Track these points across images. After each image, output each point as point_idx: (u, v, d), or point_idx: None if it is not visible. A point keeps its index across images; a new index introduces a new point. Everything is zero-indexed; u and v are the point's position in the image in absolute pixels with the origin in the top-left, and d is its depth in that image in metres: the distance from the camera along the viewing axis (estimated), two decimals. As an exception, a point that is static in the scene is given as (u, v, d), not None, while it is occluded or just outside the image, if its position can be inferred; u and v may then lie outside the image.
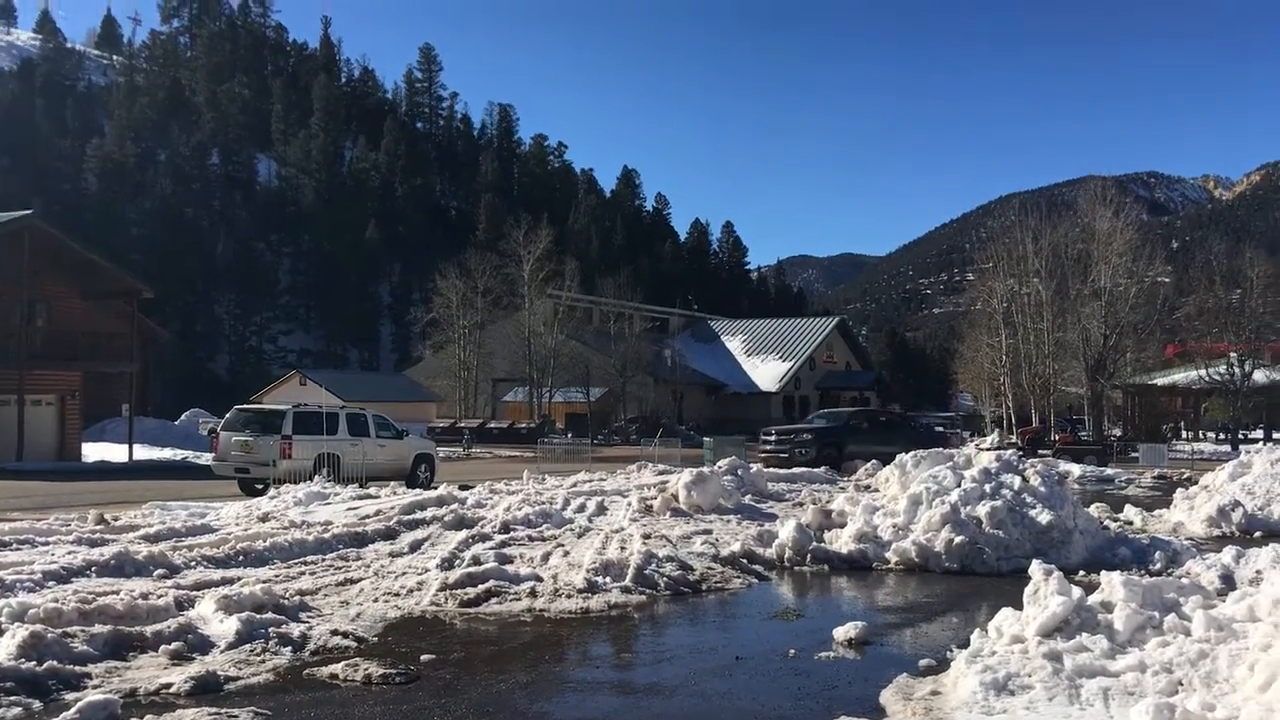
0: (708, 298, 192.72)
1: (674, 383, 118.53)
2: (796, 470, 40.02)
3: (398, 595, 16.90)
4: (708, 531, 24.21)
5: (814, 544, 22.43)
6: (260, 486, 34.44)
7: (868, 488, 32.99)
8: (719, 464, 32.17)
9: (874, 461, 40.95)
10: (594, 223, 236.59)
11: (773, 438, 50.84)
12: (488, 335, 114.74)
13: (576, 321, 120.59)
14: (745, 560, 21.09)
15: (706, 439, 53.63)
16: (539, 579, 18.03)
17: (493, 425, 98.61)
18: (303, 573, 18.55)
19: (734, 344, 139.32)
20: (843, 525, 24.05)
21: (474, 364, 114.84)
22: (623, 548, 20.72)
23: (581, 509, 26.73)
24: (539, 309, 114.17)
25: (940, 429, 63.94)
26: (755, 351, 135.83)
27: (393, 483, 35.56)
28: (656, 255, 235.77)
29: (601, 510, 26.84)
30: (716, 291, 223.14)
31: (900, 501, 23.01)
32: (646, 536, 22.47)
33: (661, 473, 38.51)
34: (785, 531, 22.30)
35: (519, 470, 42.67)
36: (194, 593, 16.09)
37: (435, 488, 32.07)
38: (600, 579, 18.24)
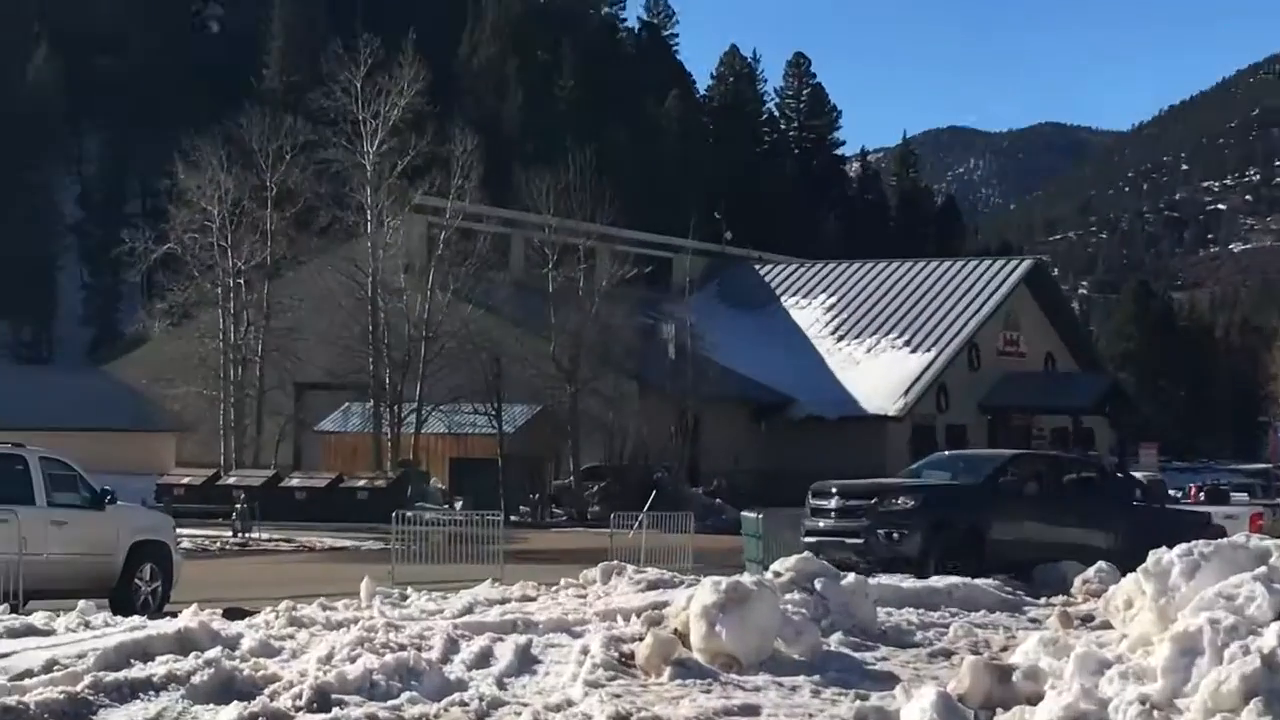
0: (755, 212, 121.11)
1: (681, 393, 73.73)
2: (937, 583, 28.59)
3: None
4: (751, 710, 16.66)
5: (976, 738, 15.12)
6: None
7: (1087, 619, 23.84)
8: (776, 568, 23.21)
9: (1101, 567, 29.51)
10: (513, 51, 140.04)
11: (830, 505, 31.42)
12: (288, 293, 74.36)
13: (477, 264, 72.93)
14: None
15: (748, 514, 36.94)
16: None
17: (295, 483, 66.53)
18: (-112, 798, 13.11)
19: (808, 312, 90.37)
20: (1036, 699, 16.40)
21: (257, 352, 73.18)
22: (572, 746, 13.99)
23: (484, 661, 18.54)
24: (399, 235, 72.16)
25: (1198, 505, 47.06)
26: (853, 329, 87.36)
27: (84, 602, 23.81)
28: (647, 124, 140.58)
29: (527, 665, 18.75)
30: (772, 200, 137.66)
31: (1158, 649, 16.07)
32: (622, 719, 15.48)
33: (653, 585, 28.21)
34: (915, 711, 14.88)
35: (353, 577, 29.59)
36: None
37: (172, 614, 23.42)
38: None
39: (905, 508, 30.35)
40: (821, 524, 31.27)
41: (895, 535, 29.97)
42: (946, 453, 37.04)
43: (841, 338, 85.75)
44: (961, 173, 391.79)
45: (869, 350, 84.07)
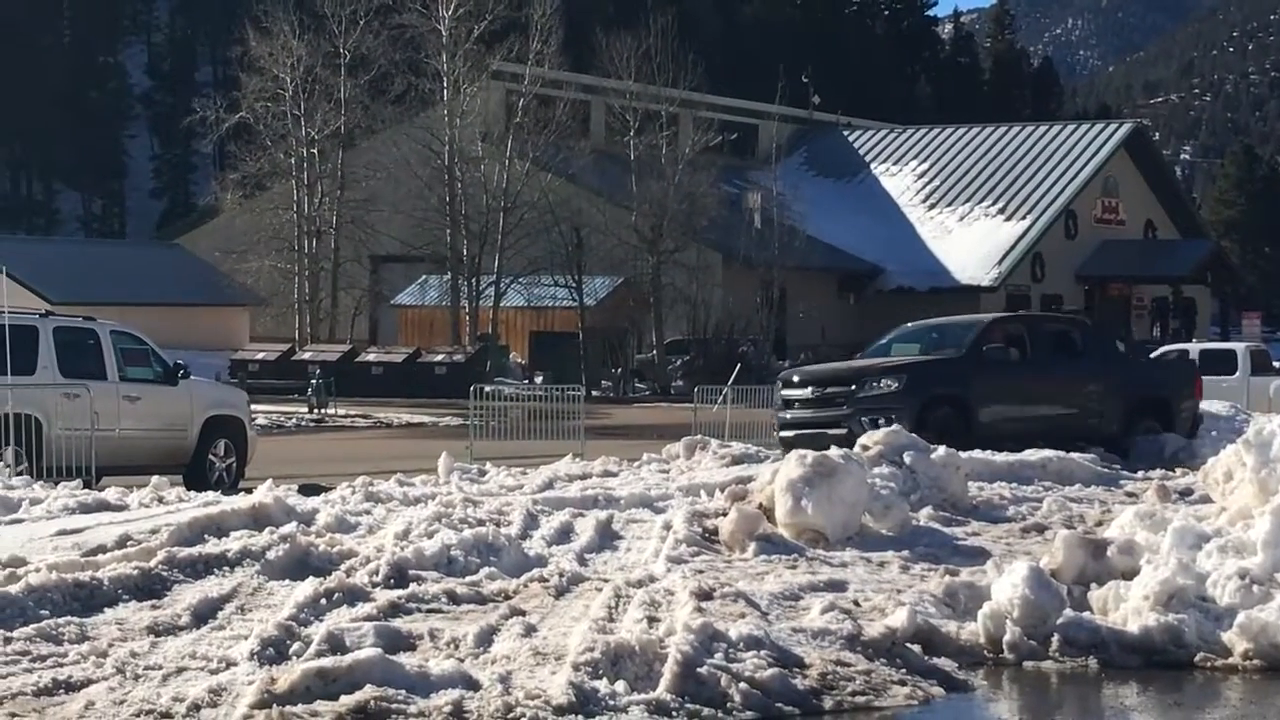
0: (844, 77, 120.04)
1: (767, 264, 73.90)
2: (1030, 456, 27.66)
3: (167, 717, 11.56)
4: (838, 585, 17.02)
5: (1067, 611, 15.36)
6: None
7: (1185, 493, 24.16)
8: (864, 441, 23.55)
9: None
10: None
11: (805, 394, 29.80)
12: (363, 163, 74.25)
13: (556, 132, 72.58)
14: (918, 647, 14.44)
15: None
16: (472, 684, 12.25)
17: (372, 357, 66.40)
18: (-36, 666, 12.84)
19: (898, 179, 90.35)
20: (1131, 574, 16.64)
21: (331, 223, 73.79)
22: (653, 619, 14.43)
23: (564, 536, 19.54)
24: (477, 102, 71.48)
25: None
26: (945, 197, 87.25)
27: (157, 478, 24.36)
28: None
29: (608, 540, 19.73)
30: (862, 63, 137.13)
31: (1258, 523, 16.93)
32: (705, 595, 15.36)
33: (737, 459, 29.09)
34: (1006, 586, 15.55)
35: (430, 452, 30.70)
36: None
37: (246, 490, 24.18)
38: (602, 684, 12.38)
39: (890, 390, 28.92)
40: (797, 415, 29.86)
41: (881, 421, 27.53)
42: (911, 324, 35.14)
43: (933, 206, 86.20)
44: (1059, 34, 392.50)
45: (962, 219, 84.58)
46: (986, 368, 29.31)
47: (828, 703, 12.69)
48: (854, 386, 29.07)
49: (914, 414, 27.72)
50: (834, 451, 20.54)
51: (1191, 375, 32.59)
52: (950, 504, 22.51)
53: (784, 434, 29.52)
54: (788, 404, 30.04)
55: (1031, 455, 27.60)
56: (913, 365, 29.50)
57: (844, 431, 27.83)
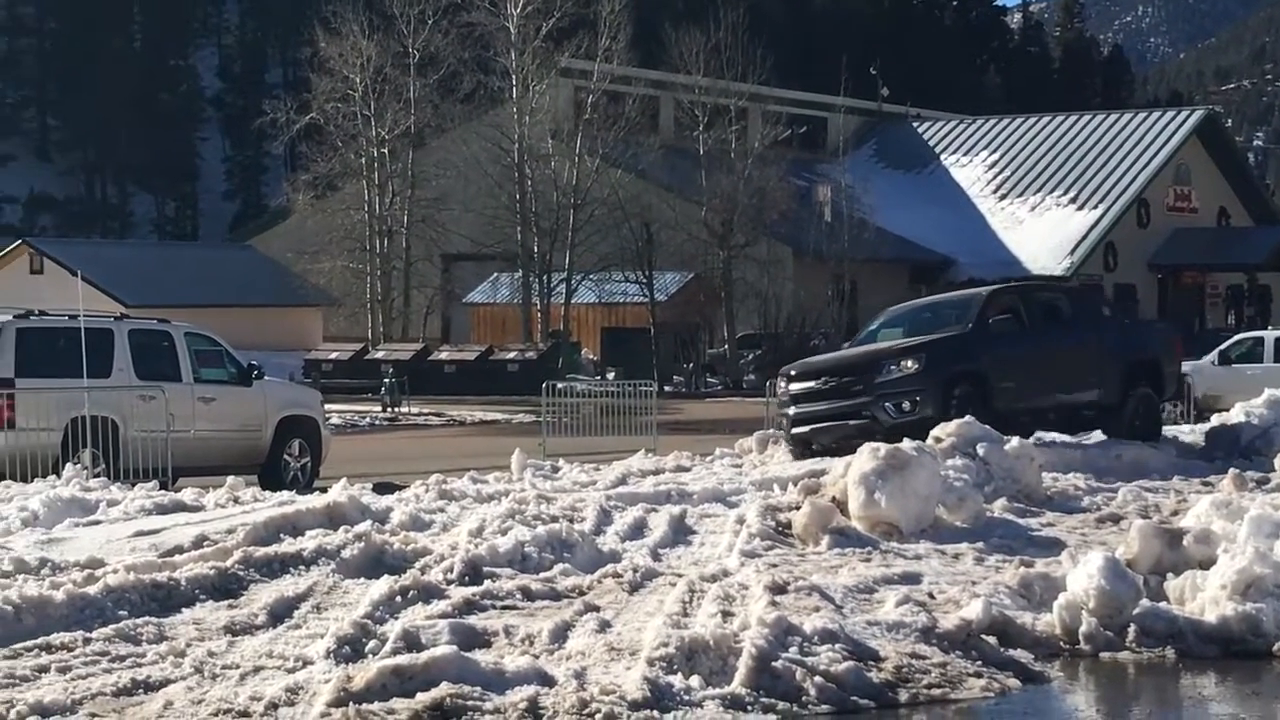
0: (913, 68, 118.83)
1: (837, 257, 73.30)
2: (1105, 447, 27.46)
3: (245, 716, 11.73)
4: (912, 577, 17.33)
5: (1144, 602, 15.47)
6: None
7: (1262, 482, 26.74)
8: (937, 433, 23.56)
9: None
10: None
11: (816, 386, 28.16)
12: (433, 161, 75.08)
13: (625, 128, 72.50)
14: (994, 639, 14.54)
15: None
16: (547, 681, 12.44)
17: (444, 356, 66.37)
18: (45, 667, 13.00)
19: (968, 170, 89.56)
20: (1207, 563, 16.75)
21: (403, 222, 73.85)
22: (727, 613, 14.59)
23: (637, 532, 19.74)
24: (546, 99, 71.99)
25: None
26: (1016, 187, 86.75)
27: (233, 478, 24.48)
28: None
29: (681, 535, 19.86)
30: (930, 55, 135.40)
31: None
32: (779, 589, 15.43)
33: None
34: (1081, 576, 15.55)
35: (503, 450, 30.66)
36: None
37: (321, 489, 24.60)
38: (677, 679, 12.53)
39: (911, 371, 27.61)
40: (809, 409, 28.19)
41: (906, 404, 27.29)
42: (896, 307, 33.63)
43: (1004, 196, 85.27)
44: (1129, 21, 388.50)
45: (1033, 209, 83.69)
46: (996, 341, 28.53)
47: (903, 696, 12.67)
48: (871, 372, 27.91)
49: (939, 393, 27.00)
50: (907, 444, 20.68)
51: (1173, 339, 32.09)
52: (1024, 495, 22.54)
53: (797, 430, 28.01)
54: (796, 399, 28.45)
55: (1107, 446, 27.69)
56: (930, 344, 28.23)
57: (867, 420, 27.26)
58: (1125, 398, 27.95)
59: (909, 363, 27.31)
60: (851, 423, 27.19)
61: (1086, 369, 28.65)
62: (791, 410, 28.01)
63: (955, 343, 28.22)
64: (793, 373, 28.75)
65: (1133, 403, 27.98)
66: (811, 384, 28.22)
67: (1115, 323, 32.14)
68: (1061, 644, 14.74)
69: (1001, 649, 14.13)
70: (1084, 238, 79.97)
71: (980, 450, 22.91)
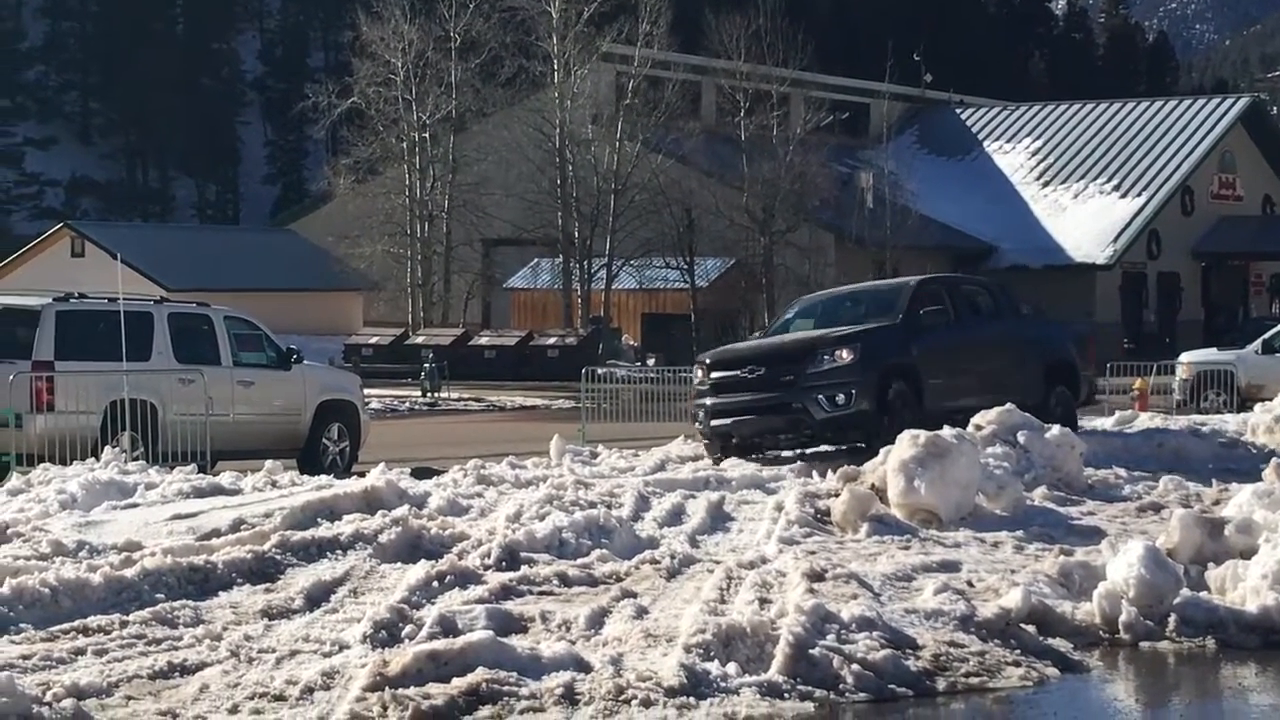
0: (956, 54, 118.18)
1: (879, 244, 72.81)
2: (1146, 435, 26.89)
3: (281, 700, 11.76)
4: (951, 565, 17.32)
5: (1184, 591, 15.41)
6: None
7: None
8: (977, 421, 23.42)
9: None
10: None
11: (740, 375, 26.34)
12: (474, 146, 74.03)
13: (666, 114, 72.24)
14: (1033, 627, 14.52)
15: None
16: (584, 666, 12.48)
17: (484, 341, 66.11)
18: (81, 650, 13.04)
19: (1011, 156, 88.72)
20: (1249, 553, 16.76)
21: (443, 207, 73.42)
22: (764, 601, 14.56)
23: (675, 518, 19.75)
24: (587, 84, 71.68)
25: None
26: (1059, 174, 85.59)
27: (271, 462, 24.28)
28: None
29: (719, 522, 19.88)
30: (974, 41, 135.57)
31: None
32: (817, 576, 15.34)
33: None
34: (1122, 565, 15.53)
35: (540, 436, 30.25)
36: None
37: (359, 473, 24.14)
38: (714, 666, 12.52)
39: (846, 362, 25.75)
40: (731, 400, 26.29)
41: (840, 397, 25.56)
42: (811, 296, 32.70)
43: (1047, 183, 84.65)
44: (1174, 7, 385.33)
45: (1076, 196, 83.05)
46: (927, 333, 26.90)
47: (941, 684, 12.62)
48: (803, 361, 26.07)
49: (874, 386, 25.59)
50: (947, 431, 20.37)
51: (1087, 339, 30.88)
52: (1065, 483, 22.42)
53: (717, 422, 26.08)
54: (717, 388, 26.50)
55: (1148, 434, 27.09)
56: (865, 333, 26.49)
57: (797, 413, 25.84)
58: (1047, 398, 26.82)
59: (844, 353, 25.67)
60: (777, 418, 25.91)
61: (1012, 367, 27.60)
62: (710, 401, 26.19)
63: (890, 334, 26.70)
64: (710, 360, 26.97)
65: (1053, 403, 26.75)
66: (734, 373, 26.44)
67: (1033, 321, 31.06)
68: (1101, 633, 14.66)
69: (1040, 638, 14.09)
70: (1127, 225, 79.48)
71: (1020, 438, 22.80)
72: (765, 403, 25.81)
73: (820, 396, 25.28)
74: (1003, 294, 30.16)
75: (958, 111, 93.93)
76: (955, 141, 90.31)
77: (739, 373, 26.15)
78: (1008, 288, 31.87)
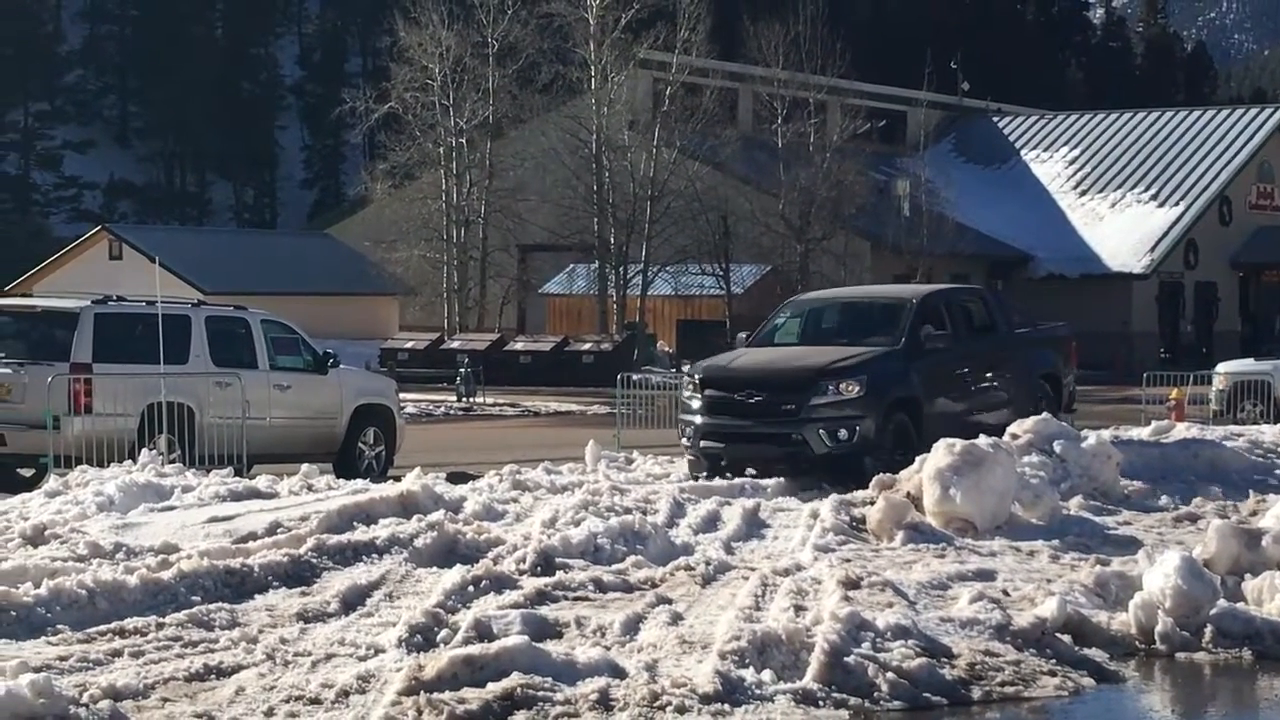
0: (994, 63, 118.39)
1: (915, 252, 72.38)
2: (1183, 445, 25.74)
3: (316, 703, 11.77)
4: (986, 574, 17.17)
5: (1221, 602, 15.20)
6: (28, 472, 26.24)
7: None
8: (1013, 430, 22.92)
9: None
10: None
11: (734, 398, 24.62)
12: (511, 152, 74.18)
13: (703, 120, 71.98)
14: (1068, 637, 14.30)
15: None
16: (618, 672, 12.45)
17: (520, 346, 65.46)
18: (118, 651, 13.04)
19: (1048, 165, 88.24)
20: None
21: (480, 213, 73.04)
22: (800, 608, 14.52)
23: (710, 525, 19.57)
24: (624, 91, 71.15)
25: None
26: (1096, 183, 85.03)
27: (307, 466, 24.39)
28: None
29: (754, 529, 19.70)
30: (1012, 50, 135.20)
31: None
32: (852, 584, 15.36)
33: None
34: (1158, 576, 15.34)
35: (576, 441, 30.19)
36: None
37: (395, 478, 23.76)
38: (749, 673, 12.46)
39: (852, 396, 24.22)
40: (725, 422, 24.76)
41: (844, 432, 24.14)
42: (799, 299, 29.71)
43: (1084, 192, 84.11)
44: (1213, 17, 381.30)
45: (1113, 205, 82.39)
46: (928, 358, 25.39)
47: (976, 693, 12.54)
48: (806, 392, 24.42)
49: (879, 421, 24.12)
50: (983, 440, 19.89)
51: (1069, 345, 29.40)
52: (1101, 493, 22.09)
53: (708, 444, 24.57)
54: (711, 409, 24.84)
55: (1184, 444, 26.11)
56: (871, 363, 24.82)
57: (796, 445, 24.27)
58: (1031, 414, 24.93)
59: (851, 385, 24.18)
60: (776, 447, 24.49)
61: (1004, 387, 26.46)
62: (700, 421, 24.64)
63: (893, 362, 25.12)
64: (702, 377, 25.20)
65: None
66: (730, 394, 24.83)
67: (1024, 331, 29.02)
68: (1137, 644, 14.52)
69: (1076, 648, 13.95)
70: (1165, 235, 78.89)
71: (1057, 447, 22.43)
72: (762, 431, 24.49)
73: (822, 430, 24.00)
74: (997, 304, 28.87)
75: (995, 120, 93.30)
76: (992, 150, 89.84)
77: (735, 395, 24.63)
78: (1001, 296, 30.39)
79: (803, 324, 27.15)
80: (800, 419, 23.94)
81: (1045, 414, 24.40)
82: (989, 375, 26.36)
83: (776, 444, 24.27)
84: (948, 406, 25.29)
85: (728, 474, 23.61)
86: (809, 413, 23.90)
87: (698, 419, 24.46)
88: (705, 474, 24.04)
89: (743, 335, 28.91)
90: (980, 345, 26.67)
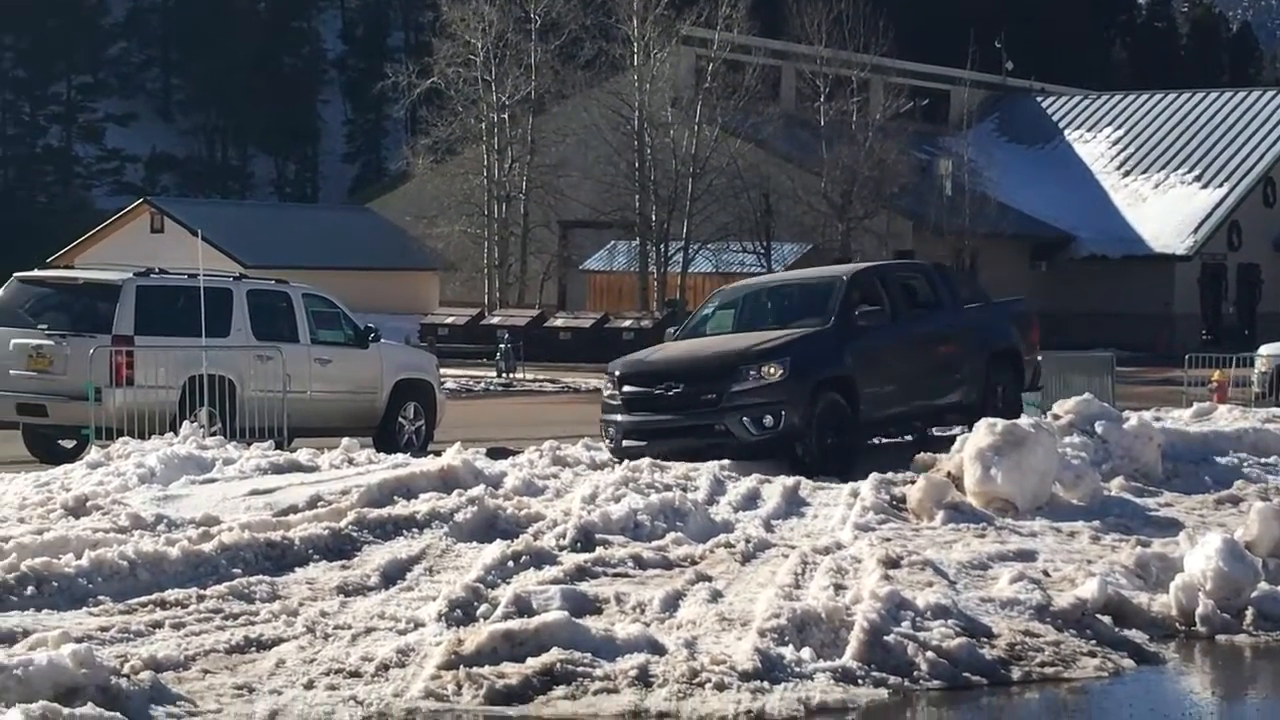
0: (1037, 42, 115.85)
1: (957, 231, 72.22)
2: (1225, 426, 25.10)
3: (356, 676, 11.78)
4: (1027, 554, 16.95)
5: (1262, 585, 15.09)
6: (69, 443, 26.04)
7: None
8: (1055, 410, 22.57)
9: None
10: None
11: (652, 392, 23.37)
12: (553, 128, 73.49)
13: (745, 98, 71.45)
14: (1109, 618, 14.08)
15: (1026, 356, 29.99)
16: (658, 649, 12.39)
17: (560, 322, 65.63)
18: (159, 623, 13.02)
19: (1092, 145, 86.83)
20: None
21: (521, 188, 72.42)
22: (839, 586, 14.37)
23: (750, 502, 19.31)
24: (666, 67, 70.63)
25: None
26: (1140, 163, 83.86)
27: (348, 440, 23.62)
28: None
29: (794, 507, 19.41)
30: (1056, 29, 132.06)
31: None
32: (892, 563, 15.42)
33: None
34: (1199, 558, 15.21)
35: None
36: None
37: (435, 452, 23.72)
38: (788, 651, 12.37)
39: (774, 379, 23.02)
40: (645, 419, 23.54)
41: (768, 419, 22.98)
42: (731, 287, 25.55)
43: (1128, 173, 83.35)
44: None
45: (1156, 186, 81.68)
46: (862, 337, 24.11)
47: (1016, 673, 12.45)
48: (726, 379, 23.29)
49: (804, 405, 22.89)
50: (1023, 420, 19.65)
51: (1031, 322, 27.88)
52: (1142, 474, 21.82)
53: (630, 443, 23.15)
54: (630, 405, 23.58)
55: (1226, 425, 25.19)
56: (793, 344, 23.59)
57: (720, 435, 22.99)
58: (987, 395, 24.51)
59: (772, 368, 22.99)
60: (699, 439, 23.08)
61: (952, 365, 25.20)
62: (620, 419, 23.43)
63: (821, 342, 23.90)
64: (620, 373, 23.87)
65: (994, 400, 24.35)
66: (649, 389, 23.66)
67: (974, 307, 27.63)
68: (1177, 625, 14.40)
69: (1116, 629, 13.83)
70: (1208, 216, 78.20)
71: (1098, 428, 22.14)
72: (684, 424, 23.22)
73: (745, 418, 22.80)
74: (941, 279, 27.31)
75: (1038, 99, 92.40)
76: (1035, 129, 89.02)
77: (654, 389, 23.42)
78: (946, 270, 27.99)
79: (732, 313, 26.06)
80: (722, 408, 22.81)
81: (1008, 386, 24.53)
82: (935, 352, 25.07)
83: (700, 436, 22.95)
84: (888, 386, 24.16)
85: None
86: (730, 400, 22.80)
87: (618, 417, 23.33)
88: None
89: (671, 330, 27.78)
90: (924, 322, 25.31)
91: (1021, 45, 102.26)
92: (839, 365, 23.28)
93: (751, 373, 22.69)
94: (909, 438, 25.24)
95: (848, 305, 23.78)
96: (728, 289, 27.95)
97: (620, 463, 22.26)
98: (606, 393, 23.94)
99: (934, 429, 25.12)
